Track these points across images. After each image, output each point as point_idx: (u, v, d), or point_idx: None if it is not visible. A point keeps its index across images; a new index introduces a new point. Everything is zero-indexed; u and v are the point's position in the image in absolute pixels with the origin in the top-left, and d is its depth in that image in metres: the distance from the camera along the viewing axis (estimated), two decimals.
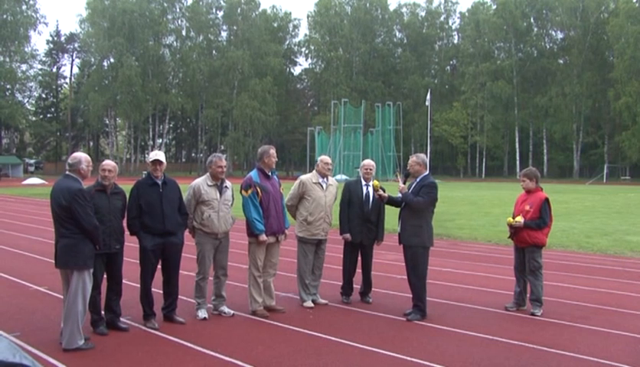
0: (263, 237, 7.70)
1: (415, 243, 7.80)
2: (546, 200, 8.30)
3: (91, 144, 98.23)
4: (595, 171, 77.01)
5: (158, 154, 7.27)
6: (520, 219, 8.18)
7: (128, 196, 7.09)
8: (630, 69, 72.52)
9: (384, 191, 8.39)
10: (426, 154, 77.09)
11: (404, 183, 8.01)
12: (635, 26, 70.80)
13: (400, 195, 7.94)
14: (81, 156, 6.40)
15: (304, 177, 8.58)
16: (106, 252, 6.65)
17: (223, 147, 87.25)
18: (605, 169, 75.23)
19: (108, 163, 6.87)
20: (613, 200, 34.59)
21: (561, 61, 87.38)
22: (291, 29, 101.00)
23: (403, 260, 8.08)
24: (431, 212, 7.95)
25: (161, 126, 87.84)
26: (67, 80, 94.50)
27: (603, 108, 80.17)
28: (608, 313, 8.21)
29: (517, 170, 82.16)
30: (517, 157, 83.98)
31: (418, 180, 7.95)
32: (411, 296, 7.93)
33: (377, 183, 8.41)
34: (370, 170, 8.70)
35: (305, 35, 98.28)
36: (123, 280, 7.07)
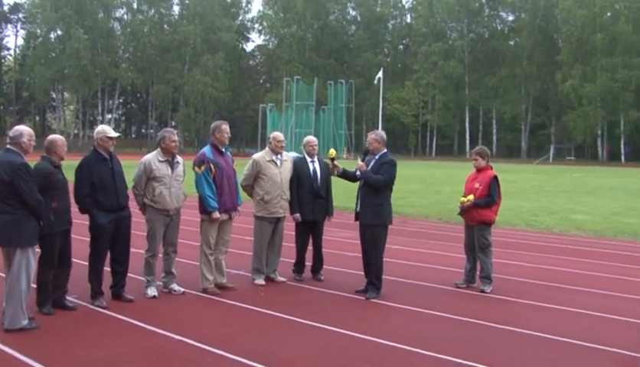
0: (217, 214, 7.61)
1: (376, 222, 7.73)
2: (495, 178, 8.40)
3: (37, 118, 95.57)
4: (543, 151, 78.52)
5: (112, 130, 7.11)
6: (470, 197, 8.27)
7: (75, 173, 6.86)
8: (576, 52, 74.01)
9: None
10: None
11: (363, 161, 7.93)
12: (583, 10, 71.99)
13: (358, 172, 7.88)
14: (23, 129, 6.14)
15: (257, 156, 8.48)
16: (65, 229, 6.51)
17: (174, 124, 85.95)
18: (552, 149, 76.79)
19: (63, 139, 6.67)
20: (559, 180, 35.38)
21: (511, 43, 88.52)
22: (244, 4, 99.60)
23: (359, 237, 8.05)
24: (390, 190, 7.89)
25: (110, 101, 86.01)
26: (11, 52, 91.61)
27: (551, 90, 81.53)
28: (553, 290, 8.40)
29: (467, 149, 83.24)
30: (467, 137, 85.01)
31: (377, 157, 7.86)
32: (363, 273, 7.95)
33: (333, 152, 8.29)
34: (314, 146, 8.68)
35: (259, 11, 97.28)
36: None
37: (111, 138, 6.98)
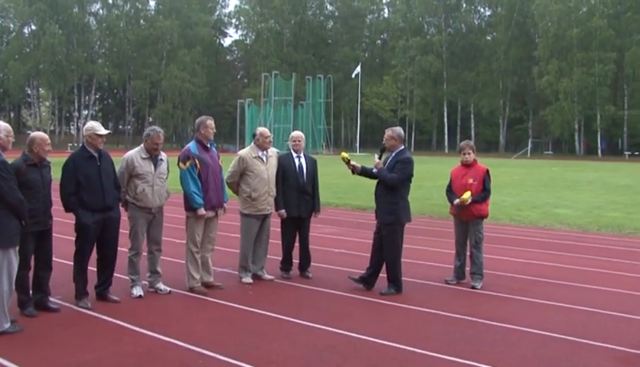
0: (202, 211, 7.42)
1: (390, 221, 7.63)
2: (487, 172, 8.34)
3: (12, 114, 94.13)
4: (520, 146, 78.90)
5: (102, 127, 6.87)
6: (468, 194, 8.07)
7: (62, 169, 6.63)
8: (553, 47, 74.44)
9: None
10: (356, 127, 77.78)
11: (380, 158, 7.78)
12: (558, 5, 72.46)
13: (374, 169, 7.74)
14: None
15: (243, 153, 8.28)
16: (40, 230, 6.24)
17: (151, 119, 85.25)
18: (530, 144, 77.18)
19: (46, 136, 6.38)
20: (539, 174, 35.57)
21: (489, 38, 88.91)
22: None
23: (366, 237, 7.93)
24: (407, 188, 7.76)
25: (87, 97, 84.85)
26: None
27: (528, 85, 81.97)
28: (544, 285, 8.35)
29: (446, 144, 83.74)
30: (446, 132, 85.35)
31: (393, 154, 7.74)
32: (367, 267, 7.90)
33: (345, 155, 8.02)
34: (299, 141, 8.51)
35: (236, 6, 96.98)
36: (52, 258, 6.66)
37: (100, 136, 6.76)
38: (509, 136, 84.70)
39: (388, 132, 7.84)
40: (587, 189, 24.88)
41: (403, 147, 7.80)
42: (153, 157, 7.32)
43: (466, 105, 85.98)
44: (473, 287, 8.04)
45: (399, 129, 7.92)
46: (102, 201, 6.68)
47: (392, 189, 7.60)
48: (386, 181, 7.57)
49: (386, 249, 7.70)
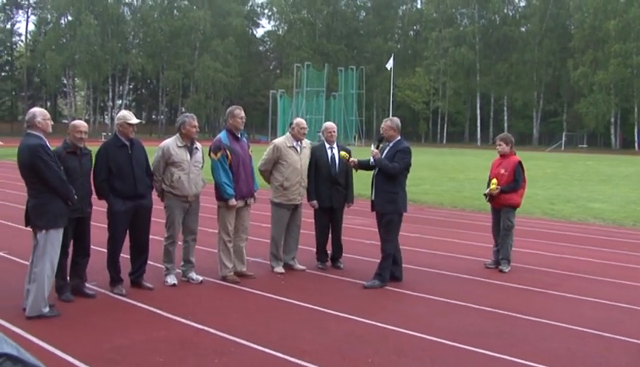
0: (233, 201, 7.49)
1: (390, 210, 7.62)
2: (519, 163, 8.64)
3: (48, 104, 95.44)
4: (554, 139, 77.95)
5: (133, 117, 6.97)
6: (494, 181, 8.54)
7: (95, 157, 6.76)
8: (588, 39, 73.22)
9: (350, 156, 8.22)
10: None
11: (377, 148, 7.81)
12: None
13: (372, 159, 7.77)
14: (35, 110, 6.01)
15: (278, 141, 8.34)
16: (80, 217, 6.39)
17: (184, 109, 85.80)
18: (564, 137, 76.17)
19: (83, 124, 6.54)
20: (573, 168, 35.07)
21: (523, 29, 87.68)
22: None
23: (376, 226, 7.93)
24: (405, 178, 7.78)
25: (120, 87, 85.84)
26: (23, 38, 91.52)
27: (563, 77, 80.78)
28: (578, 280, 8.26)
29: (478, 136, 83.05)
30: (478, 124, 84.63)
31: (391, 144, 7.75)
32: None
33: (344, 154, 8.20)
34: (333, 132, 8.54)
35: None
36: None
37: (131, 125, 6.86)
38: (543, 129, 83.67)
39: (387, 123, 7.87)
40: (623, 184, 24.46)
41: (400, 137, 7.83)
42: (189, 145, 7.39)
43: (499, 98, 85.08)
44: (500, 271, 8.44)
45: (397, 120, 7.95)
46: (133, 189, 6.79)
47: (391, 179, 7.58)
48: (387, 170, 7.55)
49: (385, 239, 7.66)
